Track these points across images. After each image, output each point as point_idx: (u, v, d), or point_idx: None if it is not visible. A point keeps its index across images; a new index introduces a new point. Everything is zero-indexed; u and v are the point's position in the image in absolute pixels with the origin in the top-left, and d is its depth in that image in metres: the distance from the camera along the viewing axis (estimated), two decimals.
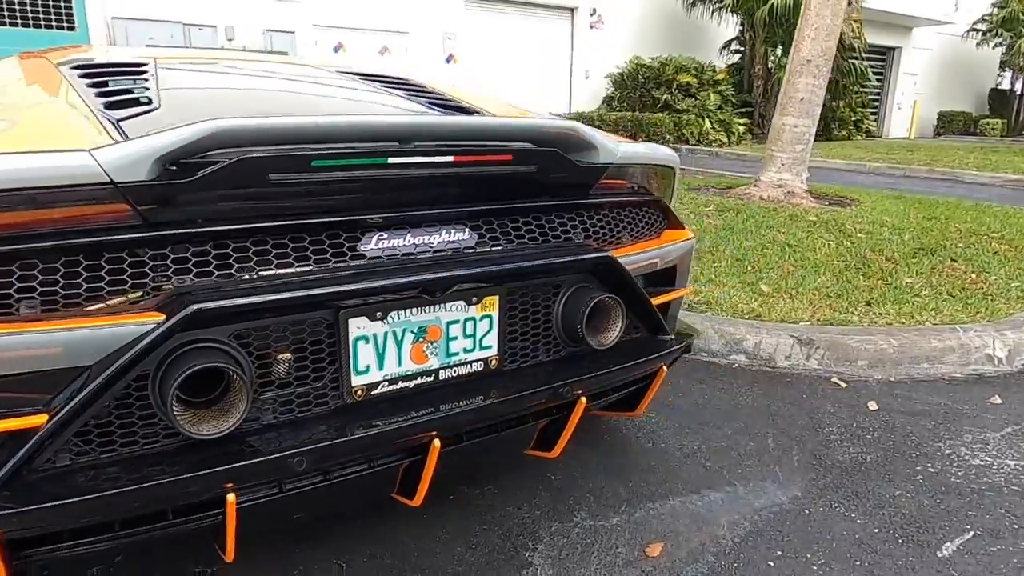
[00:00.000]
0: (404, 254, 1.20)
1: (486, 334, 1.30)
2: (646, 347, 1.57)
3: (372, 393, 1.20)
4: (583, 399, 1.43)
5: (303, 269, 1.12)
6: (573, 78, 16.28)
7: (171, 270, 1.04)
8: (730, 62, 17.12)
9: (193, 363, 0.98)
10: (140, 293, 1.02)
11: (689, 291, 1.98)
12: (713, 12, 16.00)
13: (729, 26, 16.50)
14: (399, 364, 1.22)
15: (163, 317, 0.98)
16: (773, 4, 14.11)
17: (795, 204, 5.14)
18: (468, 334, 1.28)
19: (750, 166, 9.86)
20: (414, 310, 1.21)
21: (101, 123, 1.26)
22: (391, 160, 1.13)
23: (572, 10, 15.82)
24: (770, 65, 15.63)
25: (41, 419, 0.96)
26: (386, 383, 1.21)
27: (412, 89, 2.05)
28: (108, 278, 1.00)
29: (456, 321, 1.26)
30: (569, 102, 16.40)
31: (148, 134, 1.00)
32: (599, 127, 6.74)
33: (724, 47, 17.18)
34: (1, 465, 0.95)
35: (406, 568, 1.53)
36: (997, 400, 2.49)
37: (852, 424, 2.29)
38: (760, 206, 5.02)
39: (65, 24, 5.91)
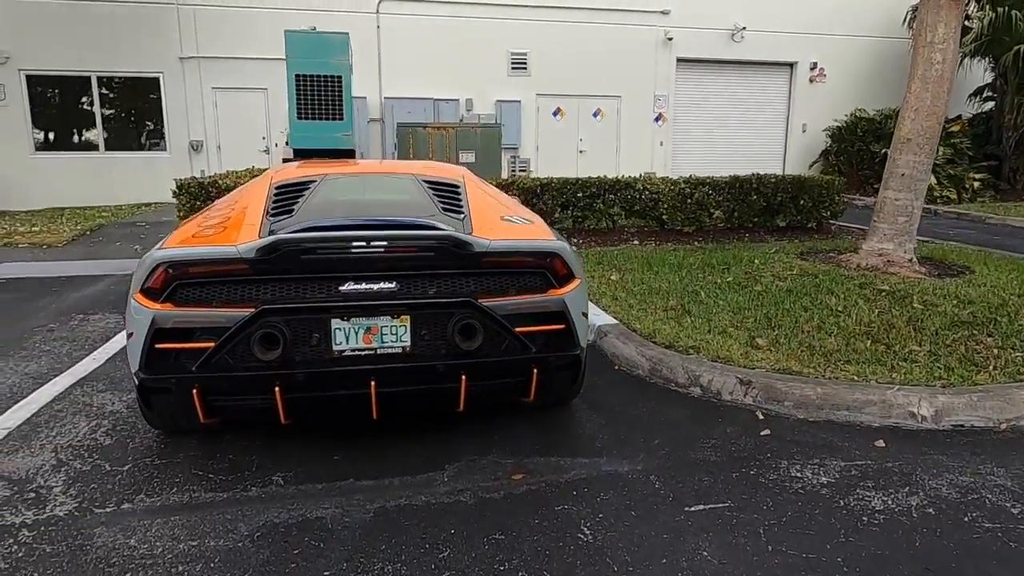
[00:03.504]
0: (360, 292, 2.58)
1: (403, 334, 2.62)
2: (508, 354, 2.73)
3: (341, 355, 2.59)
4: (463, 376, 2.66)
5: (315, 295, 2.56)
6: (789, 132, 16.30)
7: (260, 292, 2.55)
8: (980, 110, 15.64)
9: (262, 330, 2.47)
10: (251, 299, 2.55)
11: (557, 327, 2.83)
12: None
13: (973, 72, 15.16)
14: (356, 343, 2.59)
15: (254, 310, 2.49)
16: (1019, 50, 12.86)
17: (890, 273, 5.41)
18: (392, 333, 2.61)
19: (962, 230, 9.51)
20: (363, 318, 2.58)
21: (262, 224, 2.85)
22: (354, 249, 2.54)
23: (791, 65, 15.96)
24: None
25: (212, 345, 2.52)
26: (348, 351, 2.59)
27: (441, 188, 3.42)
28: (240, 292, 2.54)
29: (386, 325, 2.60)
30: (784, 156, 16.43)
31: (257, 239, 2.53)
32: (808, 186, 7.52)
33: (974, 95, 15.76)
34: (201, 362, 2.52)
35: (372, 459, 2.88)
36: (880, 444, 3.06)
37: (731, 440, 3.09)
38: (844, 273, 5.42)
39: (336, 116, 8.38)
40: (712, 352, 3.87)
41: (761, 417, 3.34)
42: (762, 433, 3.17)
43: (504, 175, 14.01)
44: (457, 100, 14.13)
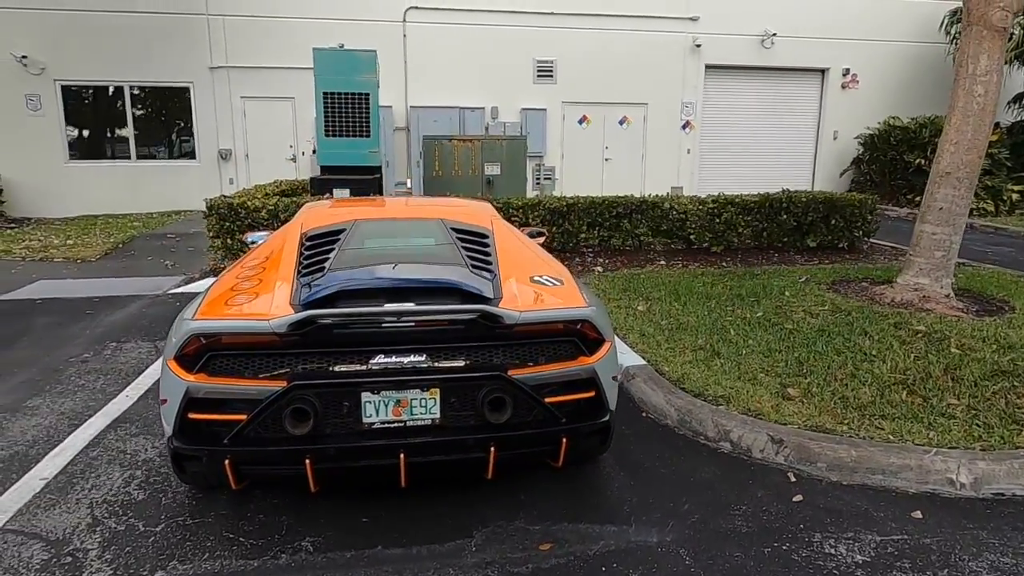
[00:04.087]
0: (390, 366, 2.57)
1: (433, 406, 2.62)
2: (537, 425, 2.71)
3: (371, 427, 2.59)
4: (492, 447, 2.65)
5: (346, 368, 2.56)
6: (820, 139, 16.02)
7: (292, 363, 2.56)
8: (1020, 118, 15.22)
9: (293, 404, 2.48)
10: (282, 371, 2.56)
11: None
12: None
13: (1013, 78, 14.75)
14: (386, 415, 2.59)
15: (286, 383, 2.50)
16: None
17: (926, 310, 5.28)
18: (422, 405, 2.61)
19: (1001, 247, 9.26)
20: (393, 391, 2.58)
21: (293, 287, 2.86)
22: (384, 325, 2.54)
23: (823, 71, 15.68)
24: None
25: (243, 417, 2.53)
26: (378, 423, 2.59)
27: (469, 239, 3.41)
28: (272, 365, 2.55)
29: (416, 398, 2.60)
30: (814, 163, 16.17)
31: (289, 311, 2.54)
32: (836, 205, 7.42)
33: (1013, 101, 15.35)
34: (234, 434, 2.54)
35: (399, 521, 2.88)
36: (918, 515, 2.98)
37: (762, 506, 3.04)
38: (878, 311, 5.30)
39: (363, 134, 8.43)
40: (742, 403, 3.81)
41: (793, 479, 3.28)
42: (794, 499, 3.11)
43: (528, 185, 13.99)
44: (483, 108, 14.11)
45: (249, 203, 7.58)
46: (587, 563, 2.64)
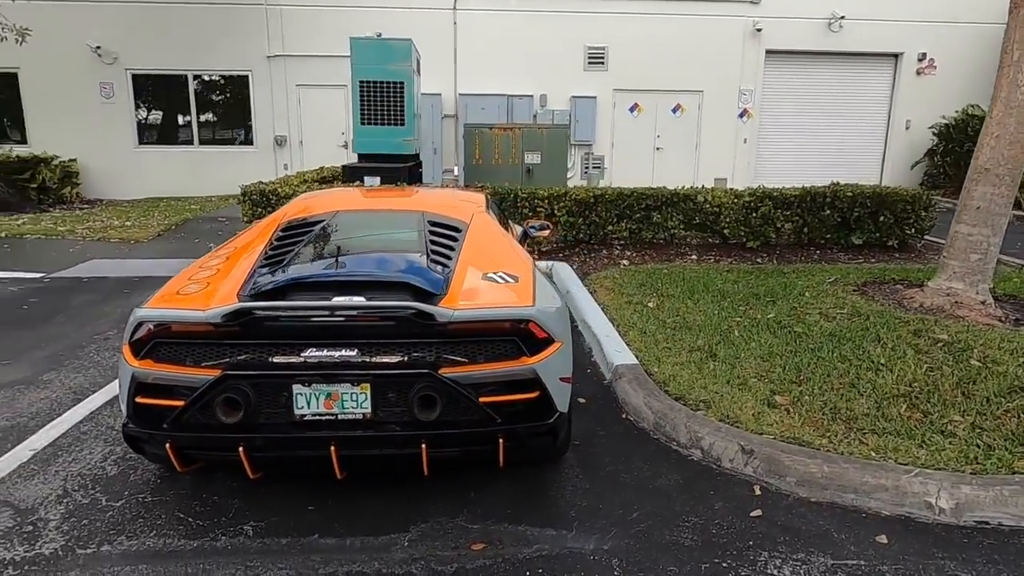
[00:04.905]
0: (321, 359, 2.59)
1: (364, 401, 2.62)
2: (471, 425, 2.68)
3: (303, 419, 2.63)
4: (424, 444, 2.64)
5: (279, 360, 2.60)
6: (891, 129, 15.10)
7: (223, 352, 2.62)
8: None
9: (225, 393, 2.54)
10: (219, 361, 2.63)
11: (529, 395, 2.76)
12: None
13: None
14: (317, 408, 2.62)
15: (220, 372, 2.57)
16: None
17: (957, 317, 4.89)
18: (353, 400, 2.62)
19: None
20: (324, 384, 2.60)
21: (248, 278, 2.92)
22: (314, 319, 2.56)
23: (896, 56, 14.74)
24: None
25: (181, 403, 2.62)
26: (310, 415, 2.63)
27: (441, 232, 3.40)
28: (209, 354, 2.62)
29: (347, 392, 2.61)
30: (883, 154, 15.28)
31: (231, 302, 2.60)
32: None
33: None
34: (172, 419, 2.63)
35: (344, 513, 2.91)
36: (882, 539, 2.79)
37: (716, 519, 2.91)
38: (900, 316, 4.95)
39: (398, 122, 8.50)
40: (722, 410, 3.66)
41: (758, 493, 3.12)
42: (752, 513, 2.96)
43: (576, 174, 13.83)
44: (531, 96, 14.00)
45: (280, 190, 7.81)
46: (513, 567, 2.60)
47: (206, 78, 14.07)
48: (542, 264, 7.50)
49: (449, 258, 3.20)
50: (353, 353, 2.61)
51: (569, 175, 14.13)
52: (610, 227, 8.03)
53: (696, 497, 3.09)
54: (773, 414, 3.61)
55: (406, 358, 2.64)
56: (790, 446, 3.29)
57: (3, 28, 9.84)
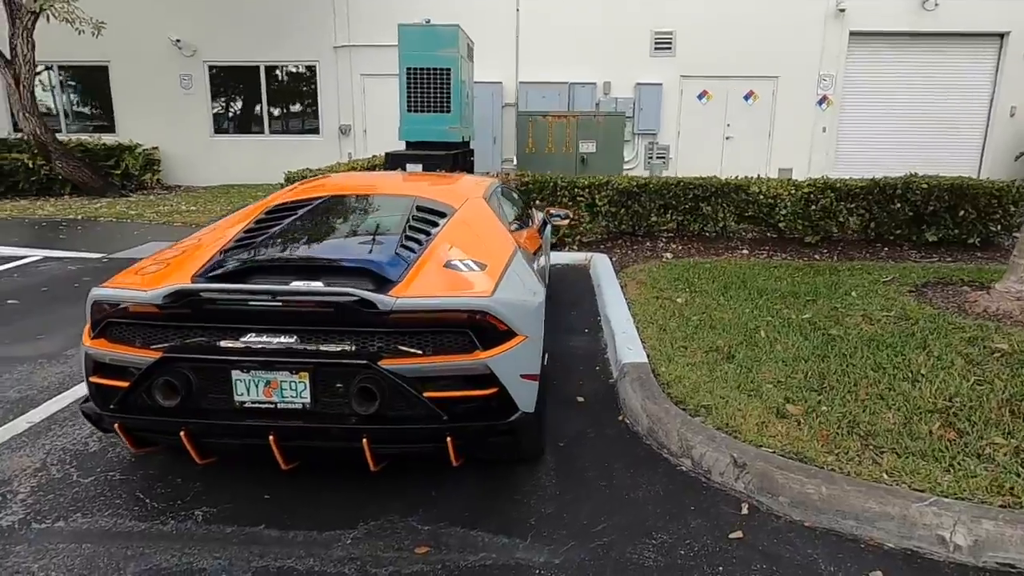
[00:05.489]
0: (259, 345, 2.50)
1: (303, 391, 2.51)
2: (413, 421, 2.52)
3: (243, 406, 2.54)
4: (365, 439, 2.50)
5: (216, 345, 2.53)
6: (993, 117, 13.76)
7: (167, 334, 2.57)
8: None
9: (164, 376, 2.49)
10: (161, 343, 2.58)
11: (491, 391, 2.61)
12: None
13: None
14: (257, 395, 2.53)
15: (160, 354, 2.52)
16: None
17: None
18: (292, 388, 2.51)
19: None
20: (263, 371, 2.50)
21: (208, 261, 2.87)
22: (252, 304, 2.46)
23: (1002, 36, 13.39)
24: None
25: (127, 383, 2.59)
26: (249, 403, 2.54)
27: (424, 217, 3.26)
28: (157, 336, 2.58)
29: (285, 381, 2.51)
30: (983, 145, 13.97)
31: (179, 283, 2.55)
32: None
33: None
34: (118, 400, 2.61)
35: (298, 504, 2.82)
36: (878, 575, 2.43)
37: (688, 539, 2.63)
38: (956, 321, 4.38)
39: (444, 109, 8.42)
40: (722, 417, 3.33)
41: (745, 512, 2.81)
42: (732, 535, 2.66)
43: (630, 164, 13.38)
44: (594, 84, 13.63)
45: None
46: (450, 575, 2.43)
47: (277, 69, 14.50)
48: (580, 255, 7.24)
49: (420, 243, 3.04)
50: (292, 340, 2.51)
51: (630, 165, 13.70)
52: (655, 218, 7.65)
53: (673, 512, 2.81)
54: (779, 424, 3.26)
55: (348, 348, 2.50)
56: (789, 462, 2.94)
57: (81, 21, 10.43)
